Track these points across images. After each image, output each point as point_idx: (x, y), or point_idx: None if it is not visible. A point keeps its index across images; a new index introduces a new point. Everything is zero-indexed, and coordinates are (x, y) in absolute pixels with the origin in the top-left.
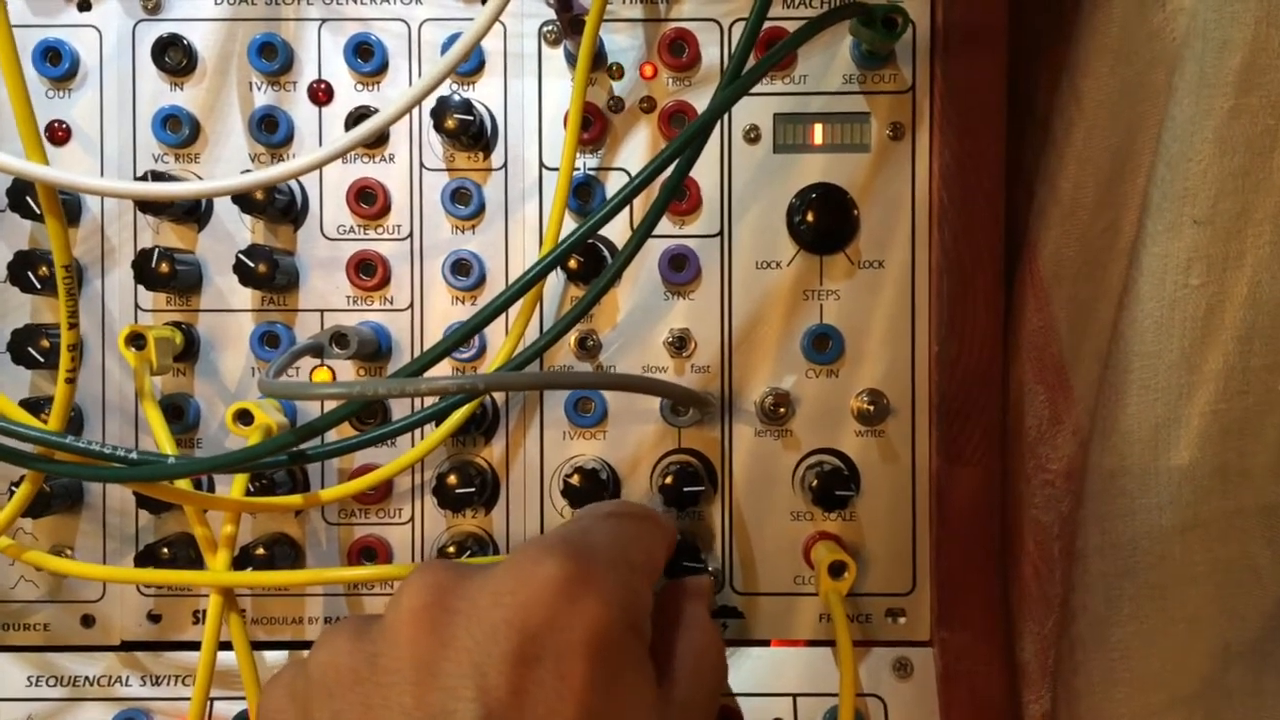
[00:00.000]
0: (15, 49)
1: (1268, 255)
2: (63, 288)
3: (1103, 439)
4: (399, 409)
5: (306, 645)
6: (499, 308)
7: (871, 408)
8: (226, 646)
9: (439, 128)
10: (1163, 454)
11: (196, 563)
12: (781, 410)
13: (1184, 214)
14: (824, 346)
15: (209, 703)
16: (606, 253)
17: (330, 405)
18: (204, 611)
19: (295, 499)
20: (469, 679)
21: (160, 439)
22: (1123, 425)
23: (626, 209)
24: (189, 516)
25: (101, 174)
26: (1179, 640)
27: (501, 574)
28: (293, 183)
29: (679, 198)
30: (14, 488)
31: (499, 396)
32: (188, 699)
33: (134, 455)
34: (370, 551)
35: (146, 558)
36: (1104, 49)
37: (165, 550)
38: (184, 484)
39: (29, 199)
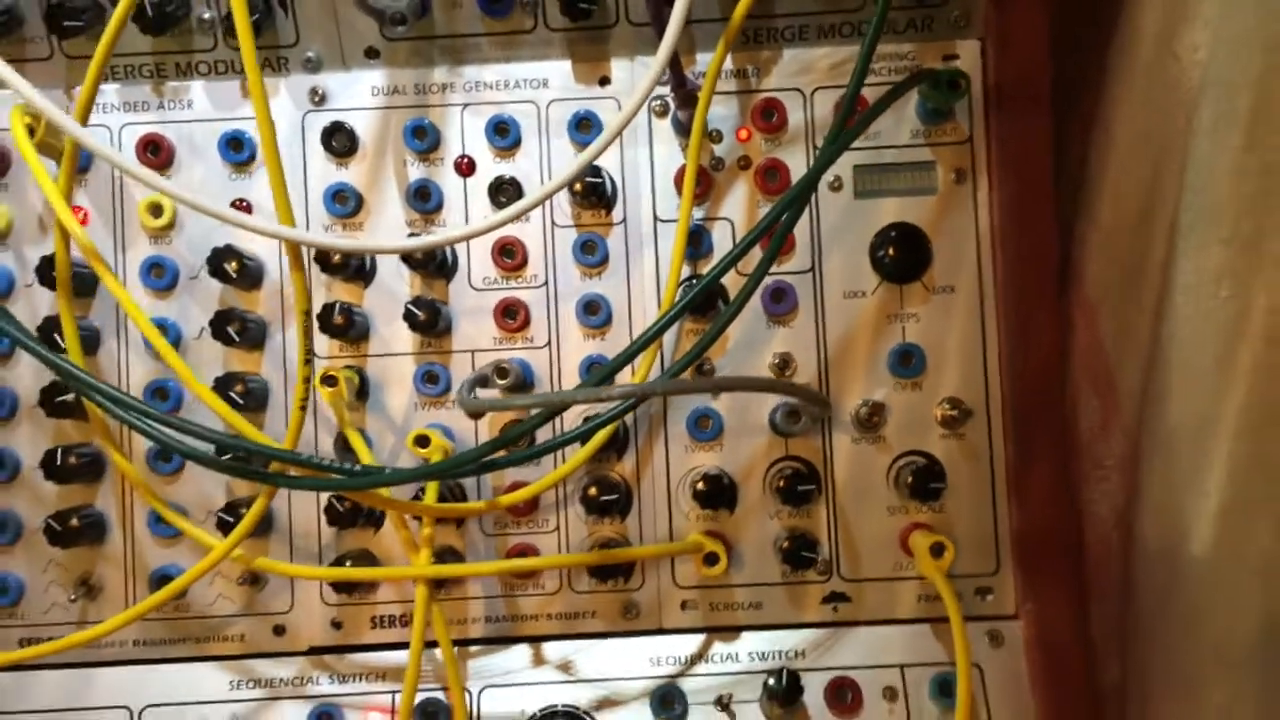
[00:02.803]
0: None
1: None
2: (301, 328)
3: (1151, 437)
4: (542, 434)
5: (472, 642)
6: (643, 345)
7: (953, 413)
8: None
9: (571, 190)
10: (1206, 447)
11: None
12: (874, 419)
13: (1210, 235)
14: (908, 362)
15: (391, 696)
16: (716, 288)
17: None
18: (381, 617)
19: (479, 504)
20: None
21: (363, 455)
22: (1168, 424)
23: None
24: (392, 521)
25: (279, 245)
26: (1228, 613)
27: None
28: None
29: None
30: (219, 515)
31: (628, 418)
32: (372, 693)
33: (357, 468)
34: (524, 555)
35: (336, 567)
36: (1130, 99)
37: (349, 562)
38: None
39: (226, 266)
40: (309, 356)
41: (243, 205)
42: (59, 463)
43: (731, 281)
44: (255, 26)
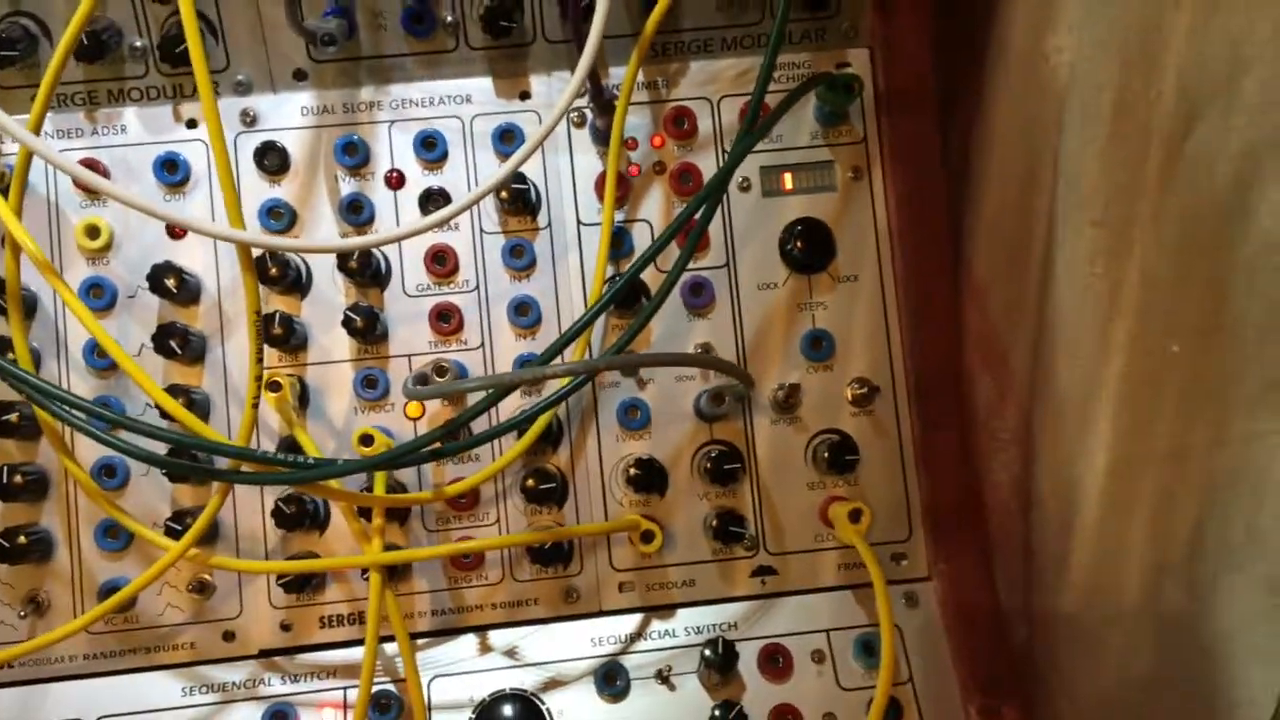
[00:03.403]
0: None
1: (1151, 246)
2: (252, 328)
3: (1041, 408)
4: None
5: (420, 635)
6: (574, 334)
7: (863, 392)
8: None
9: (498, 198)
10: (1091, 413)
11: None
12: (791, 401)
13: (1083, 220)
14: (819, 347)
15: (342, 691)
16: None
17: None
18: (330, 617)
19: (426, 494)
20: None
21: (312, 451)
22: (1056, 394)
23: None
24: (343, 513)
25: (216, 261)
26: (1116, 564)
27: None
28: (378, 253)
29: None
30: (167, 524)
31: (561, 411)
32: (324, 690)
33: (310, 461)
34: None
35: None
36: (1006, 97)
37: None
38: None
39: (165, 281)
40: (260, 355)
41: (179, 227)
42: (5, 481)
43: (653, 279)
44: (185, 52)
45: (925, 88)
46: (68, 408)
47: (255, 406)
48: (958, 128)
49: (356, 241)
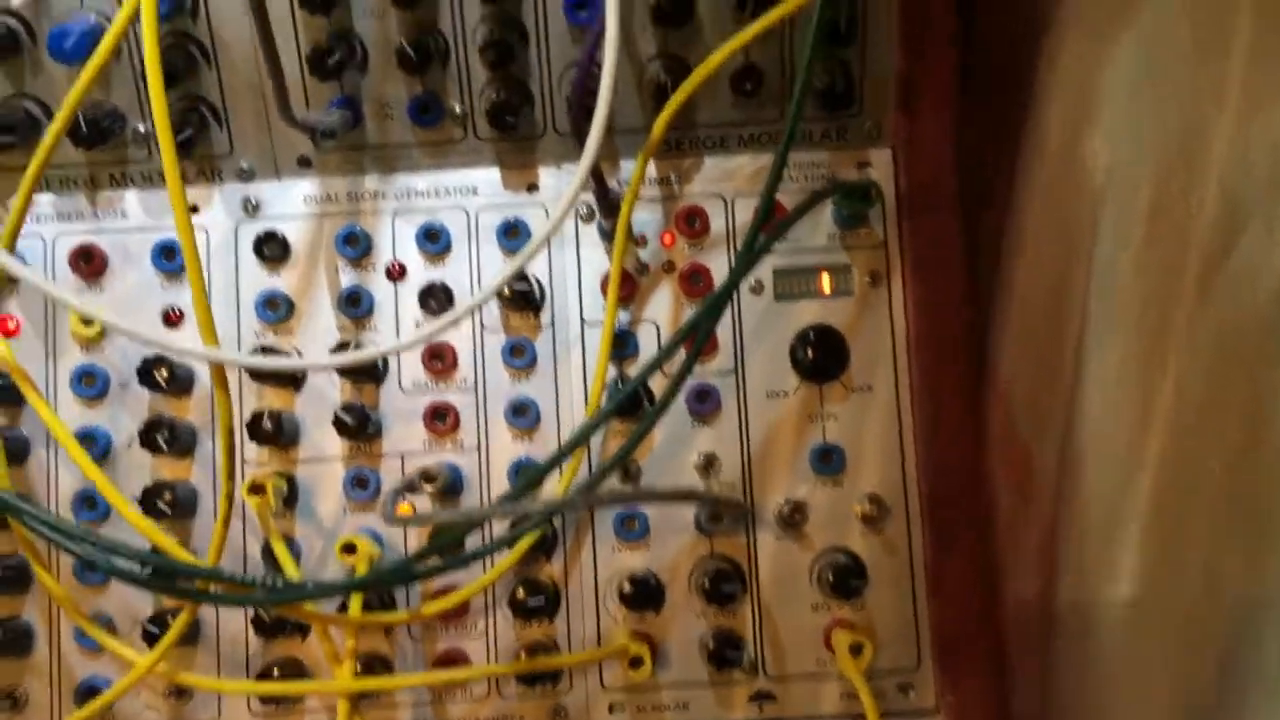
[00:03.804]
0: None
1: (1188, 358)
2: (224, 446)
3: (1065, 525)
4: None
5: None
6: (572, 446)
7: (873, 510)
8: None
9: (500, 296)
10: (1117, 528)
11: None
12: (796, 517)
13: (1116, 327)
14: (829, 460)
15: None
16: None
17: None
18: None
19: (403, 615)
20: None
21: (289, 569)
22: (1082, 507)
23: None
24: (316, 634)
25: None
26: (1141, 697)
27: None
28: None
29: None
30: (144, 625)
31: (557, 520)
32: None
33: (280, 583)
34: (453, 661)
35: (263, 679)
36: (1039, 199)
37: (276, 670)
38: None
39: (155, 374)
40: (231, 472)
41: (175, 314)
42: None
43: (656, 382)
44: (190, 139)
45: (948, 190)
46: (37, 522)
47: (225, 524)
48: (985, 228)
49: (345, 359)
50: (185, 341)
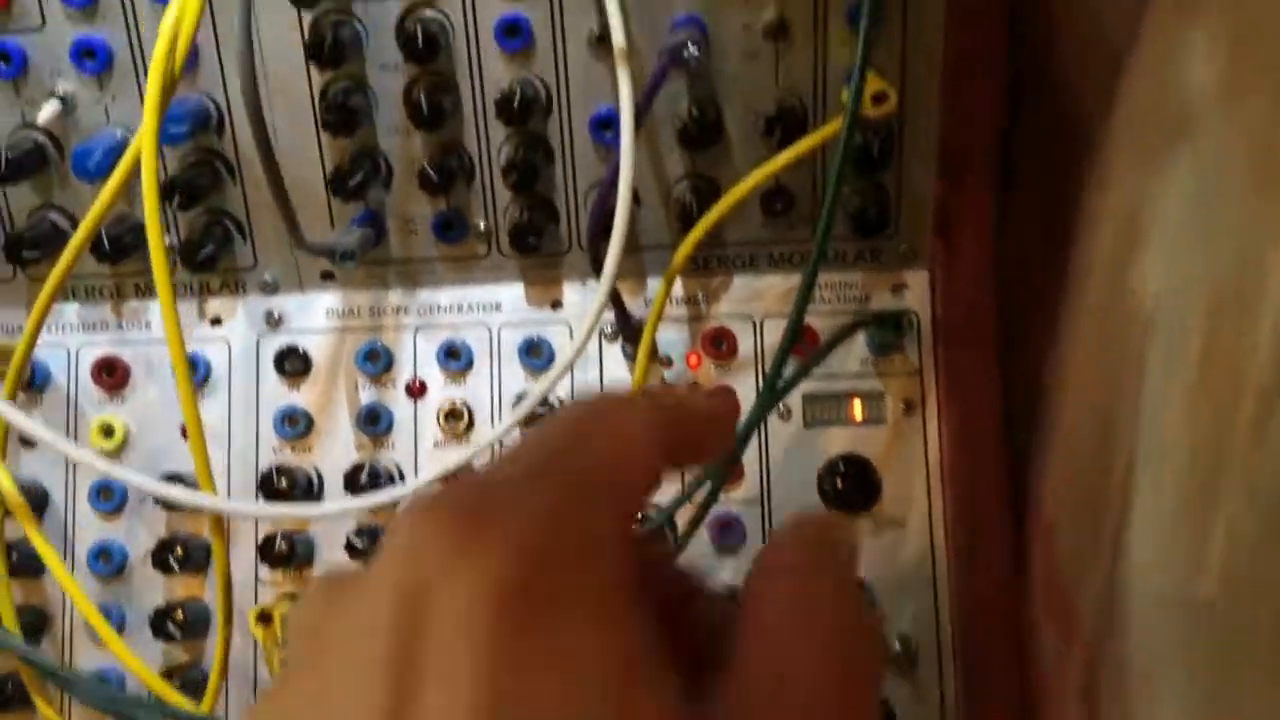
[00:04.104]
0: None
1: (1241, 505)
2: (221, 601)
3: (1108, 673)
4: None
5: None
6: None
7: (903, 652)
8: None
9: (526, 424)
10: (1162, 680)
11: None
12: None
13: (1165, 470)
14: None
15: None
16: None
17: None
18: None
19: None
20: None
21: None
22: (1126, 655)
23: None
24: None
25: (229, 465)
26: None
27: (379, 561)
28: (392, 467)
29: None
30: None
31: None
32: None
33: None
34: None
35: None
36: (1083, 327)
37: None
38: None
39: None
40: (229, 616)
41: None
42: None
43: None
44: (214, 252)
45: (987, 320)
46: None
47: (223, 674)
48: (1026, 357)
49: (359, 503)
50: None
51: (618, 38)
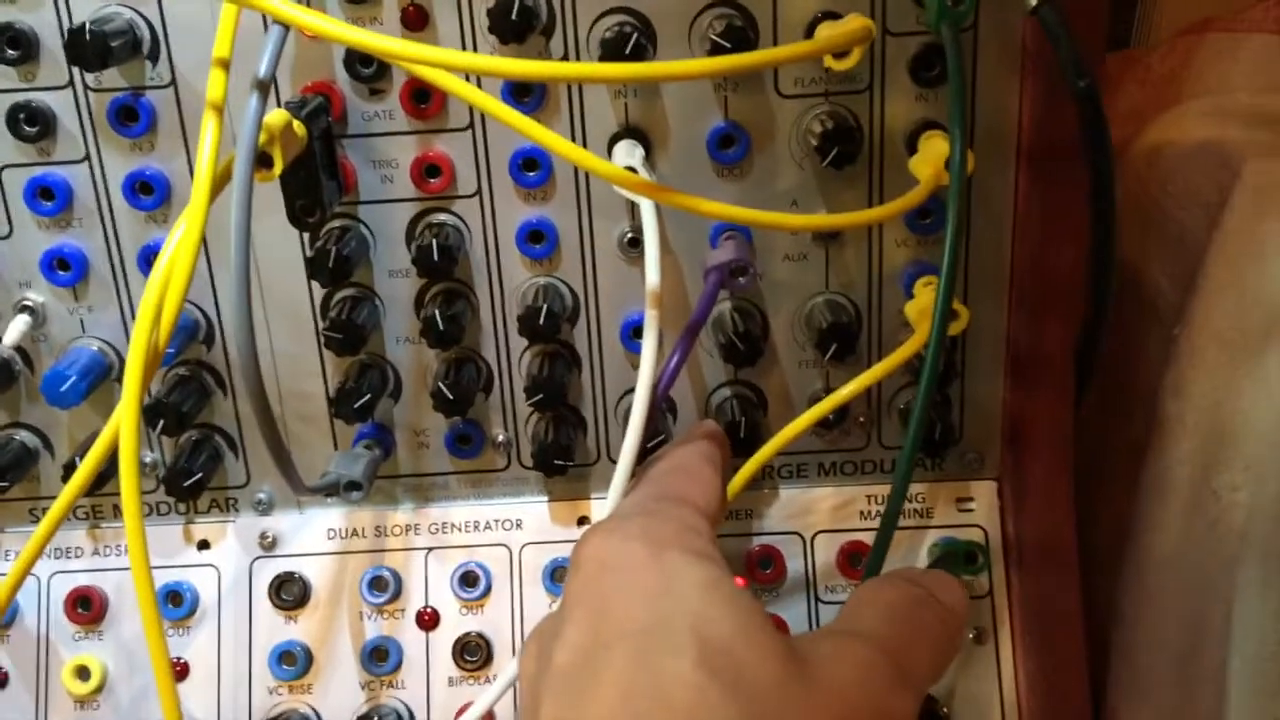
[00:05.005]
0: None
1: None
2: None
3: None
4: None
5: None
6: None
7: None
8: None
9: None
10: None
11: None
12: None
13: (1266, 710)
14: None
15: None
16: None
17: None
18: None
19: None
20: None
21: None
22: None
23: None
24: None
25: (218, 708)
26: None
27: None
28: (402, 710)
29: None
30: None
31: None
32: None
33: None
34: None
35: None
36: (1166, 535)
37: None
38: None
39: None
40: None
41: (180, 665)
42: None
43: None
44: (204, 472)
45: (1066, 541)
46: None
47: None
48: (1102, 570)
49: None
50: (190, 694)
51: (652, 278)
